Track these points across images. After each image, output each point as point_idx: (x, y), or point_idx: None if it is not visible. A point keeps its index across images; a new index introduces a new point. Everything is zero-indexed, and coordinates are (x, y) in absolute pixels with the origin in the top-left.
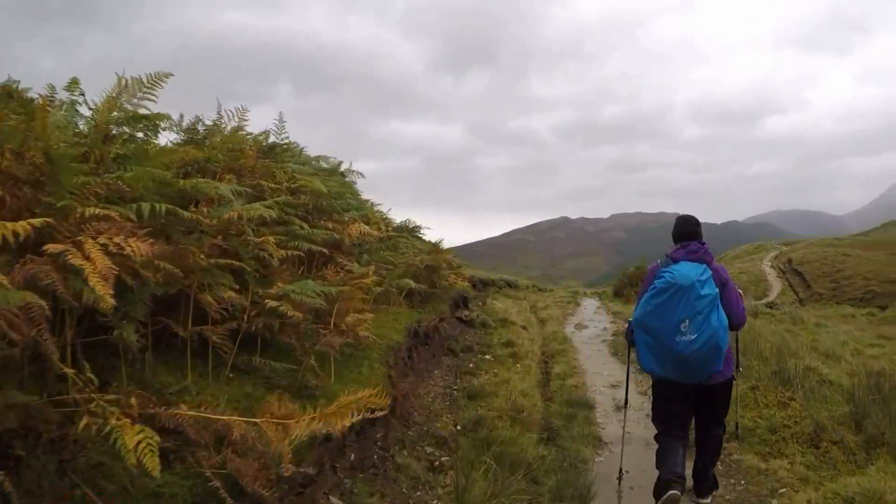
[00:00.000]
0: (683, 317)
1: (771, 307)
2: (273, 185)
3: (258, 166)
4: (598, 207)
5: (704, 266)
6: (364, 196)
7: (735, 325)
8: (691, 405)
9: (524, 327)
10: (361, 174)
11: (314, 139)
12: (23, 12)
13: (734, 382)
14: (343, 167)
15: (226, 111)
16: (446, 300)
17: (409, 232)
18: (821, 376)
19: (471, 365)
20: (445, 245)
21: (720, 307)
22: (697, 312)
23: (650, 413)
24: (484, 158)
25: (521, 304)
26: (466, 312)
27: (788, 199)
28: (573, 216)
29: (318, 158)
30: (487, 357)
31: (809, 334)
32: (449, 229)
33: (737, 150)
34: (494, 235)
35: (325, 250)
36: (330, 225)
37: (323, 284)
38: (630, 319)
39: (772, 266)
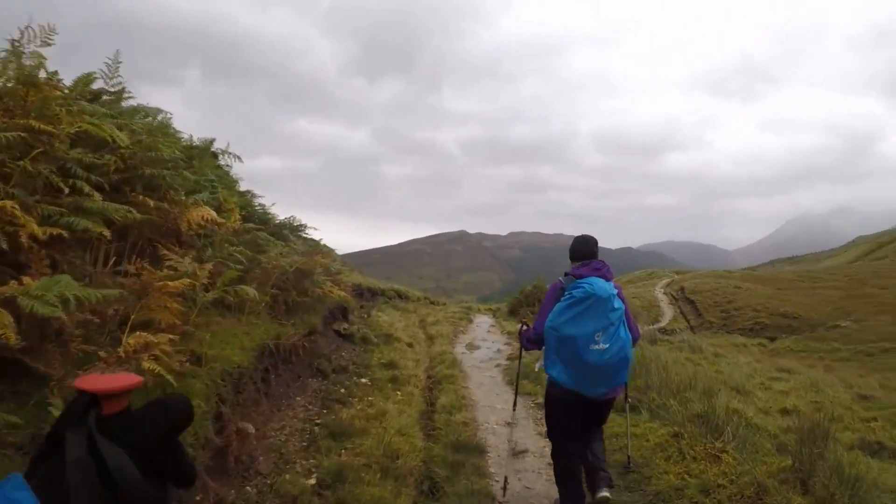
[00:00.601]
0: (599, 327)
1: (666, 333)
2: (50, 129)
3: (34, 100)
4: (496, 224)
5: (612, 283)
6: (244, 187)
7: (634, 339)
8: (587, 416)
9: (410, 345)
10: (238, 157)
11: (218, 128)
12: None
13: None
14: (218, 148)
15: (29, 29)
16: (320, 311)
17: (292, 230)
18: (747, 420)
19: (342, 390)
20: (343, 251)
21: (626, 322)
22: (611, 324)
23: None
24: (389, 166)
25: (410, 317)
26: (346, 325)
27: (682, 232)
28: (471, 231)
29: (164, 124)
30: (363, 381)
31: (711, 365)
32: (348, 234)
33: (637, 180)
34: (392, 244)
35: (155, 238)
36: (152, 203)
37: (87, 285)
38: (524, 321)
39: (664, 293)
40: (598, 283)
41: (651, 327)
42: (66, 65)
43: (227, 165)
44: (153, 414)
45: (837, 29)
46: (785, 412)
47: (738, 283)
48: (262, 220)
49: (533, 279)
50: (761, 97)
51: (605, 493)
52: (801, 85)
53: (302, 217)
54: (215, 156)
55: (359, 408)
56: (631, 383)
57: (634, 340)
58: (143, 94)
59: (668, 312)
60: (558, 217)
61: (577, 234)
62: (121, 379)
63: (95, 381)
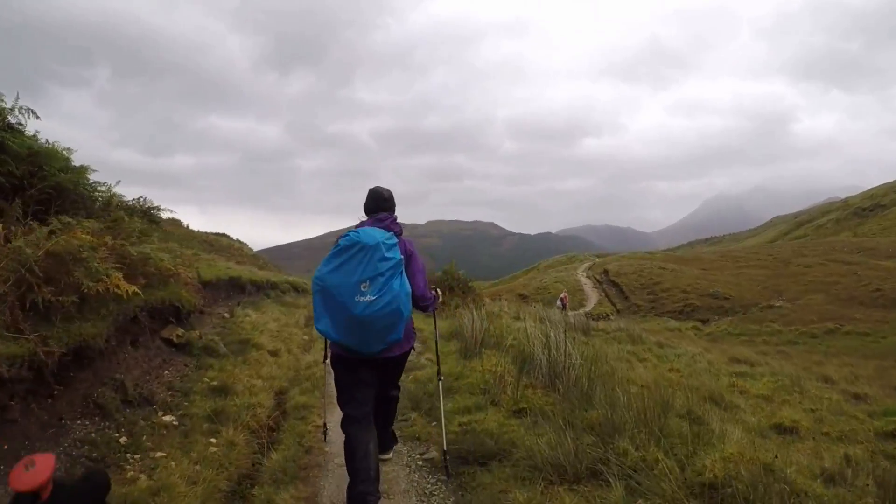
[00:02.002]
0: (365, 277)
1: (595, 319)
2: None
3: None
4: (414, 214)
5: (392, 233)
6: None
7: (418, 297)
8: (372, 377)
9: (275, 353)
10: (33, 112)
11: (130, 127)
12: None
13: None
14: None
15: None
16: (110, 314)
17: (143, 213)
18: (791, 488)
19: (122, 439)
20: (261, 246)
21: (404, 275)
22: (380, 274)
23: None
24: (303, 160)
25: (296, 314)
26: (180, 332)
27: (599, 215)
28: None
29: None
30: (168, 419)
31: (661, 361)
32: (266, 229)
33: (553, 165)
34: (310, 237)
35: None
36: None
37: None
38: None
39: (587, 276)
40: (367, 232)
41: (577, 312)
42: None
43: (19, 124)
44: (85, 489)
45: (746, 14)
46: (784, 431)
47: (661, 265)
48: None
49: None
50: (671, 82)
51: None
52: (711, 70)
53: (220, 212)
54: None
55: (130, 474)
56: (582, 415)
57: (421, 297)
58: (53, 95)
59: (592, 296)
60: (476, 204)
61: (496, 221)
62: (47, 465)
63: (31, 478)
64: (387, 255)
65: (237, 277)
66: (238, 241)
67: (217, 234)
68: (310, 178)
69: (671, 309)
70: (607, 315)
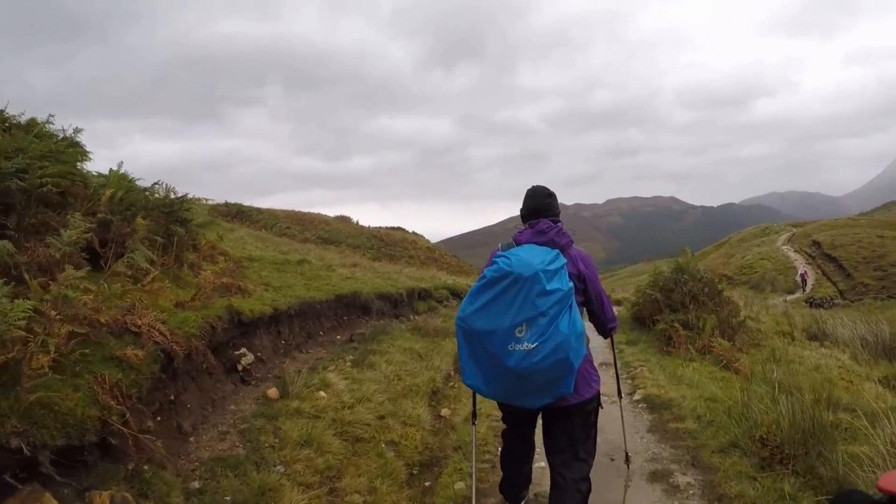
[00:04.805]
0: (520, 319)
1: (819, 306)
2: None
3: None
4: (592, 193)
5: (557, 252)
6: None
7: (606, 328)
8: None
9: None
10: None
11: (305, 136)
12: (12, 28)
13: (598, 407)
14: None
15: None
16: None
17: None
18: None
19: None
20: (443, 236)
21: (574, 308)
22: (540, 314)
23: None
24: (476, 149)
25: (440, 351)
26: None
27: (783, 181)
28: (568, 202)
29: None
30: None
31: None
32: (448, 219)
33: (727, 132)
34: (490, 224)
35: None
36: None
37: None
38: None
39: (795, 250)
40: (522, 256)
41: (795, 297)
42: (152, 98)
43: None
44: None
45: None
46: None
47: (879, 232)
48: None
49: (637, 245)
50: (840, 30)
51: None
52: (879, 9)
53: (401, 207)
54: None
55: None
56: None
57: (609, 325)
58: (233, 116)
59: (809, 276)
60: (653, 179)
61: (677, 195)
62: None
63: None
64: (549, 286)
65: (354, 294)
66: (414, 233)
67: (391, 228)
68: (485, 167)
69: None
70: (831, 299)
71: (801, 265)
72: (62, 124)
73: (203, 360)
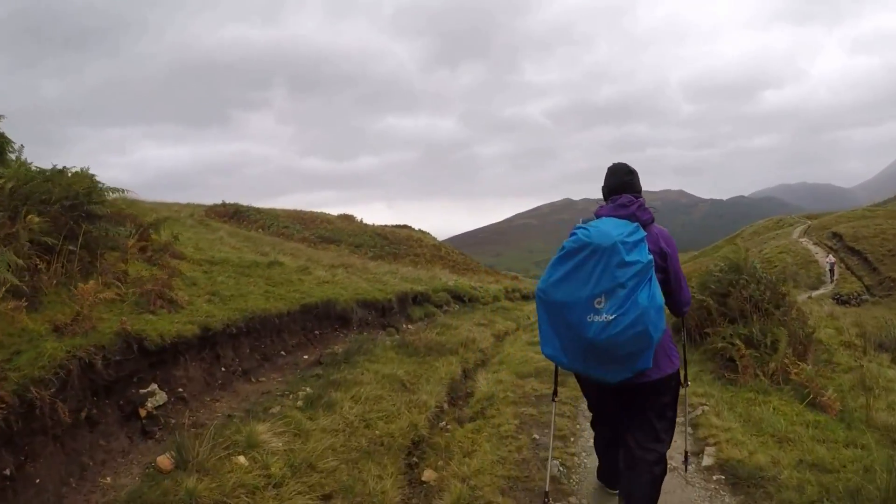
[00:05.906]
0: (599, 290)
1: (846, 303)
2: None
3: None
4: (599, 189)
5: (636, 225)
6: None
7: (681, 309)
8: (614, 401)
9: None
10: None
11: (311, 137)
12: (23, 40)
13: (681, 385)
14: None
15: None
16: None
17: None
18: None
19: None
20: (449, 234)
21: (654, 281)
22: (619, 285)
23: None
24: (482, 147)
25: (434, 376)
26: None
27: (793, 172)
28: (576, 198)
29: None
30: None
31: None
32: (455, 217)
33: (735, 124)
34: (497, 221)
35: None
36: None
37: None
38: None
39: (814, 243)
40: (600, 228)
41: (820, 293)
42: (160, 104)
43: None
44: None
45: None
46: None
47: None
48: None
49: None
50: (846, 17)
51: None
52: None
53: (407, 206)
54: None
55: None
56: None
57: (684, 307)
58: (240, 120)
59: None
60: (661, 173)
61: (686, 189)
62: None
63: None
64: (628, 258)
65: (328, 302)
66: (420, 231)
67: (396, 227)
68: (491, 164)
69: None
70: (858, 295)
71: (828, 255)
72: None
73: (54, 414)
